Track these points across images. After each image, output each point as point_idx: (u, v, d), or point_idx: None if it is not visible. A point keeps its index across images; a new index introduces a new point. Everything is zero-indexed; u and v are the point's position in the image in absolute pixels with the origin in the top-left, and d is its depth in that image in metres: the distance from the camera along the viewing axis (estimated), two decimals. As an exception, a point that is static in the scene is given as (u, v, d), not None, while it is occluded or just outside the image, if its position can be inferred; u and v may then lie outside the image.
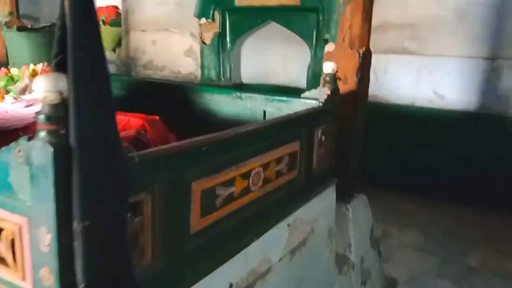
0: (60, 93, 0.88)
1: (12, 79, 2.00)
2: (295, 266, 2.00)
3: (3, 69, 2.01)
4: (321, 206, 2.20)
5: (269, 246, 1.77)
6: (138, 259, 1.15)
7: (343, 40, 2.41)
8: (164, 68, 5.62)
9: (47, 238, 0.94)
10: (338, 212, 2.49)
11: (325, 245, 2.32)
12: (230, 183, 1.47)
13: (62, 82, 0.89)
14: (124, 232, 1.03)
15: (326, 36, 4.40)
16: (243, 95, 2.50)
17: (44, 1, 6.42)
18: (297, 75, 4.84)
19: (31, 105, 1.98)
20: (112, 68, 6.04)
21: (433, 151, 3.92)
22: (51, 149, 0.88)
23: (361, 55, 2.40)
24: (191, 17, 5.24)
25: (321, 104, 2.13)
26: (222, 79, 5.25)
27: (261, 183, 1.66)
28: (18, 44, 2.05)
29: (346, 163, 2.43)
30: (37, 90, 0.88)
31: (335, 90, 2.18)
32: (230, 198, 1.49)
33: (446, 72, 3.84)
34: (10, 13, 3.83)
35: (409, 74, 4.11)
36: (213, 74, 5.25)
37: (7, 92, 1.94)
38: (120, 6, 5.91)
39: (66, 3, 0.91)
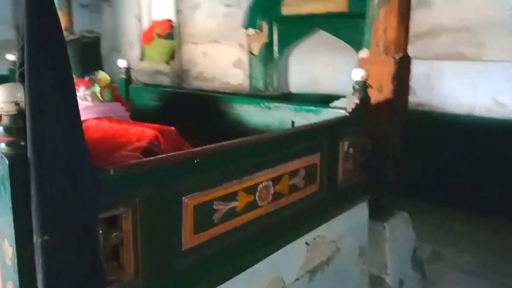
0: (17, 104, 0.86)
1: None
2: (317, 287, 1.87)
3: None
4: (349, 224, 2.05)
5: (283, 265, 1.66)
6: (118, 274, 1.10)
7: (377, 45, 2.26)
8: (214, 79, 5.68)
9: (9, 251, 0.92)
10: (373, 231, 2.31)
11: (355, 265, 2.16)
12: (230, 197, 1.40)
13: (20, 93, 0.87)
14: (93, 247, 0.99)
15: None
16: (272, 105, 2.41)
17: (107, 17, 6.76)
18: (345, 84, 4.66)
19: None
20: (165, 80, 6.22)
21: (491, 164, 3.56)
22: (7, 161, 0.86)
23: (397, 61, 2.23)
24: (239, 28, 5.26)
25: (347, 114, 1.99)
26: (270, 89, 5.20)
27: (270, 198, 1.56)
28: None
29: (379, 177, 2.25)
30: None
31: (364, 99, 2.04)
32: (232, 214, 1.41)
33: (507, 79, 3.49)
34: (65, 29, 4.06)
35: (466, 81, 3.79)
36: (261, 84, 5.21)
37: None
38: (174, 20, 6.08)
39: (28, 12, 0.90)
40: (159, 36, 6.20)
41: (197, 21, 5.78)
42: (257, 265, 1.52)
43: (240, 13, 5.21)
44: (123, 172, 1.08)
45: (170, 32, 6.14)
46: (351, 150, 2.01)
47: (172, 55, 6.11)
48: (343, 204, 2.00)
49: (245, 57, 5.42)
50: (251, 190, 1.47)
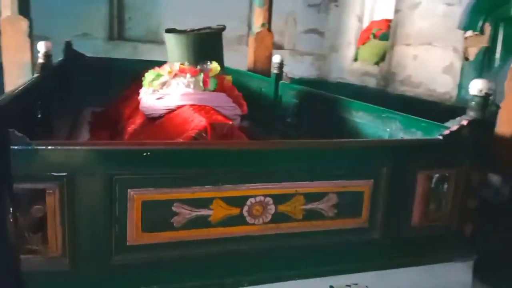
0: None
1: (158, 75, 2.29)
2: None
3: (163, 66, 2.33)
4: (424, 283, 1.52)
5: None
6: (42, 247, 1.13)
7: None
8: (420, 85, 5.04)
9: None
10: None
11: None
12: (201, 204, 1.23)
13: None
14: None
15: None
16: (387, 115, 1.97)
17: (332, 17, 6.82)
18: None
19: (161, 98, 2.22)
20: (371, 82, 5.90)
21: None
22: None
23: None
24: (455, 29, 4.49)
25: (440, 138, 1.46)
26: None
27: (269, 217, 1.31)
28: (169, 44, 2.33)
29: (496, 232, 1.57)
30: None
31: (478, 121, 1.45)
32: (202, 223, 1.25)
33: None
34: (262, 25, 4.32)
35: None
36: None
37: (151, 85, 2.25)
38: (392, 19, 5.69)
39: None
40: (375, 36, 5.91)
41: (414, 21, 5.25)
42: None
43: (459, 12, 4.47)
44: (49, 147, 1.09)
45: (386, 33, 5.77)
46: (445, 187, 1.48)
47: (383, 57, 5.75)
48: (414, 255, 1.49)
49: (457, 63, 4.63)
50: (235, 202, 1.26)
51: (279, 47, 6.97)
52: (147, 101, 2.23)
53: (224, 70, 2.36)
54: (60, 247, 1.15)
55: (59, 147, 1.11)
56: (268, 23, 4.25)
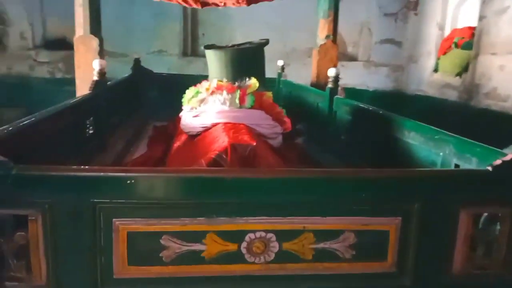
0: None
1: (197, 92, 2.22)
2: None
3: (202, 83, 2.26)
4: None
5: None
6: (26, 274, 1.09)
7: None
8: (508, 98, 4.46)
9: None
10: None
11: None
12: (192, 238, 1.11)
13: None
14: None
15: None
16: (440, 137, 1.70)
17: (410, 26, 6.42)
18: None
19: (197, 115, 2.14)
20: (453, 95, 5.38)
21: None
22: None
23: None
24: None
25: (489, 169, 1.19)
26: None
27: (272, 256, 1.15)
28: (209, 60, 2.24)
29: None
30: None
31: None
32: (195, 258, 1.12)
33: None
34: (326, 37, 4.13)
35: None
36: None
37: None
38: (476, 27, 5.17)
39: None
40: (457, 45, 5.40)
41: (500, 27, 4.73)
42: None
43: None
44: (32, 173, 1.05)
45: (469, 41, 5.25)
46: (497, 228, 1.21)
47: (465, 67, 5.23)
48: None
49: (552, 74, 4.05)
50: (232, 237, 1.13)
51: (353, 58, 6.69)
52: (185, 119, 2.19)
53: (265, 85, 2.24)
54: (45, 276, 1.09)
55: (41, 173, 1.06)
56: (333, 35, 4.05)
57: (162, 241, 1.11)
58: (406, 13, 6.43)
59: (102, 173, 1.07)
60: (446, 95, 5.45)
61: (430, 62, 6.01)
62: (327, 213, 1.15)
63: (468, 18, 5.49)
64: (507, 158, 1.18)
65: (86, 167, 1.19)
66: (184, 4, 2.49)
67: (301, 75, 4.99)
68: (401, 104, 6.32)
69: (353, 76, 6.48)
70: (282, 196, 1.14)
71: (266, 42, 2.35)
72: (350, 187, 1.17)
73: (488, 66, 4.88)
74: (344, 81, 6.36)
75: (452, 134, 1.64)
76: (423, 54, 6.20)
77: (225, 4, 2.31)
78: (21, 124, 1.36)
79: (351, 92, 6.36)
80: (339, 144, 2.72)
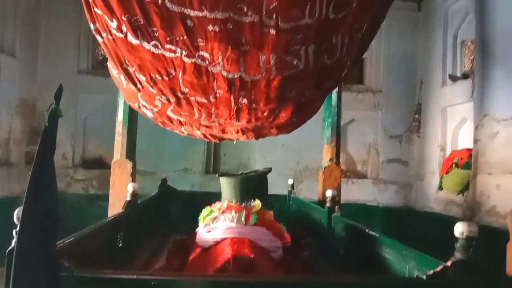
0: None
1: (211, 211, 2.66)
2: None
3: (215, 204, 2.72)
4: None
5: None
6: None
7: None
8: (507, 216, 4.75)
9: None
10: None
11: None
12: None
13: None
14: None
15: None
16: (406, 252, 2.04)
17: (414, 147, 6.93)
18: None
19: (210, 231, 2.55)
20: (457, 212, 5.66)
21: None
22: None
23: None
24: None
25: (423, 277, 1.54)
26: None
27: None
28: (221, 185, 2.72)
29: None
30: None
31: (463, 262, 1.52)
32: None
33: None
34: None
35: None
36: None
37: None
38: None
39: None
40: (457, 165, 5.84)
41: (493, 149, 5.19)
42: None
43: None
44: (87, 275, 1.46)
45: (468, 161, 5.69)
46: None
47: (467, 186, 5.60)
48: None
49: (545, 193, 4.39)
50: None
51: (363, 175, 7.15)
52: (200, 234, 2.60)
53: (267, 206, 2.68)
54: None
55: (93, 275, 1.47)
56: (336, 158, 4.57)
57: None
58: (409, 136, 7.02)
59: (135, 276, 1.48)
60: (451, 211, 5.74)
61: (435, 181, 6.40)
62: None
63: (466, 140, 5.98)
64: (438, 269, 1.53)
65: (122, 272, 1.60)
66: (205, 139, 3.06)
67: (314, 190, 5.41)
68: (412, 220, 6.59)
69: (364, 192, 6.90)
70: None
71: (269, 170, 2.86)
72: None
73: (486, 185, 5.24)
74: (356, 197, 6.79)
75: (414, 250, 2.00)
76: (428, 172, 6.63)
77: (237, 138, 2.87)
78: (73, 238, 1.81)
79: (363, 208, 6.75)
80: (339, 257, 3.04)
